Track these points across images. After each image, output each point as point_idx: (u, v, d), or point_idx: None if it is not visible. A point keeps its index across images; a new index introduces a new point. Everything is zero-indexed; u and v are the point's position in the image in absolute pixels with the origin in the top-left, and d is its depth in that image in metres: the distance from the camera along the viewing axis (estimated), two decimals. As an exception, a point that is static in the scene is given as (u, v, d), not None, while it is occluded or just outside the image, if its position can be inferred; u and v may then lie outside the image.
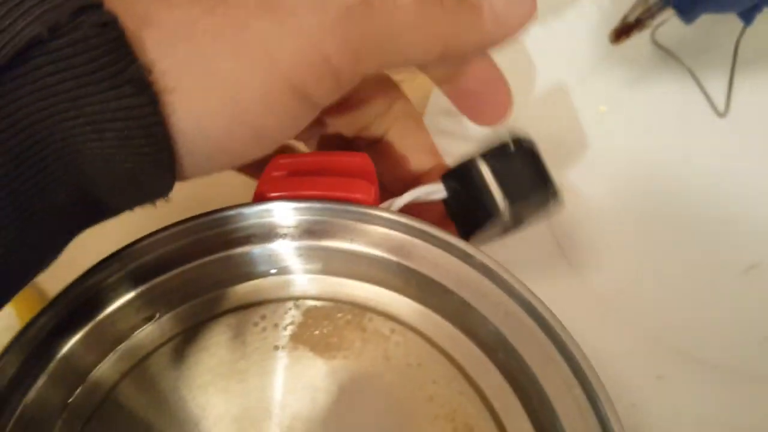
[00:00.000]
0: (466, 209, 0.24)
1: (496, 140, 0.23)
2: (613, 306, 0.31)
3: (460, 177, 0.24)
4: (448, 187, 0.24)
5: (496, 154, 0.23)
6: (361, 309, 0.22)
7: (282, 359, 0.21)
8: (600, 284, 0.32)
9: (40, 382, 0.20)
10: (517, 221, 0.24)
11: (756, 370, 0.29)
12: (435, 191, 0.24)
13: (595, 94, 0.37)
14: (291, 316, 0.22)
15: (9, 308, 0.32)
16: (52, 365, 0.20)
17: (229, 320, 0.22)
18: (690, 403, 0.29)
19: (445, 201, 0.24)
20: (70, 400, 0.21)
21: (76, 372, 0.21)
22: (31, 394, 0.20)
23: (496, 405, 0.21)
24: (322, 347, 0.21)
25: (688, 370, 0.30)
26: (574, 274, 0.33)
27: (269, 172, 0.23)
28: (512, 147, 0.23)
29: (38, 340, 0.20)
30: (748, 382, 0.29)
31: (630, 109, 0.37)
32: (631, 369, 0.29)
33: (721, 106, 0.37)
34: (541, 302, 0.21)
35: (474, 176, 0.23)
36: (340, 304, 0.22)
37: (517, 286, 0.21)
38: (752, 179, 0.35)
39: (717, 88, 0.37)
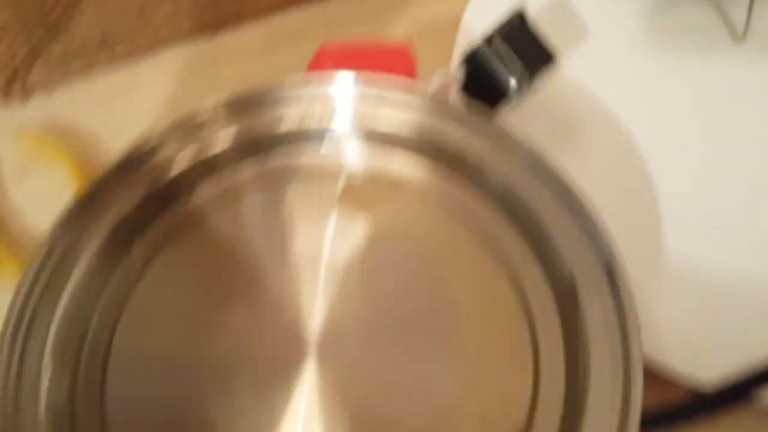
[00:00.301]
0: (481, 90, 0.27)
1: (499, 21, 0.27)
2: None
3: (471, 63, 0.28)
4: (464, 73, 0.28)
5: (500, 34, 0.27)
6: (398, 182, 0.26)
7: (330, 220, 0.25)
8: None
9: (135, 199, 0.24)
10: (527, 87, 0.28)
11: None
12: (455, 77, 0.28)
13: (615, 18, 0.39)
14: (339, 184, 0.25)
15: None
16: (153, 187, 0.25)
17: (284, 184, 0.26)
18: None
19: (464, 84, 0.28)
20: (159, 220, 0.26)
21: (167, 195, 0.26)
22: (126, 208, 0.24)
23: (512, 256, 0.24)
24: (363, 211, 0.25)
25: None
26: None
27: (317, 58, 0.26)
28: (511, 24, 0.27)
29: (140, 163, 0.25)
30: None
31: (649, 34, 0.39)
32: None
33: (739, 32, 0.38)
34: (559, 167, 0.24)
35: (482, 61, 0.27)
36: (381, 176, 0.26)
37: (538, 152, 0.24)
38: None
39: (736, 14, 0.38)
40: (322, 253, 0.25)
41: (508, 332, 0.24)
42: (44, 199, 0.34)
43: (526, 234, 0.24)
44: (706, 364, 0.28)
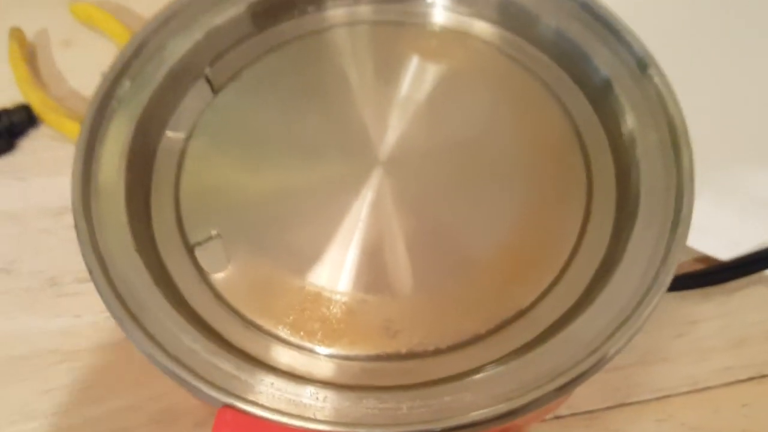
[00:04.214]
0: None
1: None
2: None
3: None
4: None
5: None
6: (470, 33, 0.32)
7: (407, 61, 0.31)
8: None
9: (186, 47, 0.29)
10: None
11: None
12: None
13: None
14: (420, 33, 0.32)
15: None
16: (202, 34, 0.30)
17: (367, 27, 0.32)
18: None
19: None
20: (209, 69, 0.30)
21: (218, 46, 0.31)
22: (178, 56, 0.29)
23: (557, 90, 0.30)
24: (439, 56, 0.31)
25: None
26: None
27: None
28: None
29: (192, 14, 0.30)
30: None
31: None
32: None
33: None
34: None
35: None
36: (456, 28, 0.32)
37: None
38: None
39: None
40: (397, 89, 0.30)
41: (563, 162, 0.29)
42: (86, 68, 0.37)
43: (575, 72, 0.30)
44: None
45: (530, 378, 0.23)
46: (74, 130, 0.39)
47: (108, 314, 0.29)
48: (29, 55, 0.43)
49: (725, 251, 0.35)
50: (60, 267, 0.36)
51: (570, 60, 0.30)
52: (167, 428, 0.31)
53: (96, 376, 0.33)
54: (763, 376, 0.33)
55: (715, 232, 0.35)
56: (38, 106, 0.40)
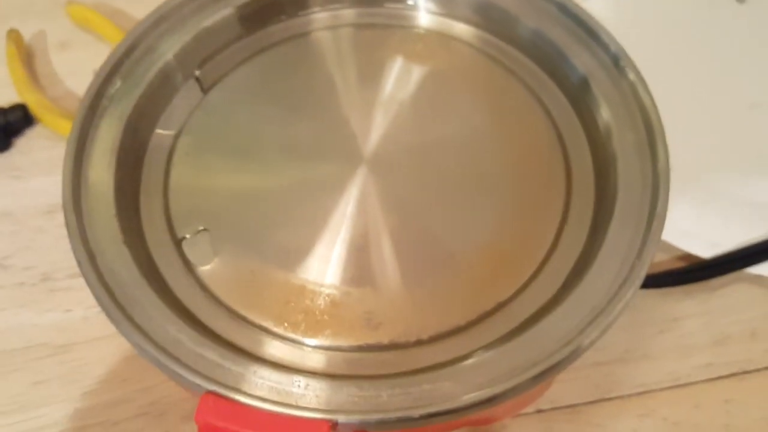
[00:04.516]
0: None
1: None
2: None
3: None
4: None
5: None
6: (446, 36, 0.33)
7: (391, 62, 0.32)
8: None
9: (176, 48, 0.30)
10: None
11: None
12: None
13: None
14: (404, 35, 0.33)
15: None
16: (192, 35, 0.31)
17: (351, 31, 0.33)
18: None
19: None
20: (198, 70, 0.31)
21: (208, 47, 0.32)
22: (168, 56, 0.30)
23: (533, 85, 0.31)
24: (422, 57, 0.32)
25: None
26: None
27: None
28: None
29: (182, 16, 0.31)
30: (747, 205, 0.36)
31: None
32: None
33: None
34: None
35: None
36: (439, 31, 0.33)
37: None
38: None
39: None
40: (381, 90, 0.31)
41: (543, 160, 0.29)
42: (82, 69, 0.37)
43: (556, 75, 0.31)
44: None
45: (507, 368, 0.23)
46: (69, 130, 0.40)
47: (98, 309, 0.30)
48: (26, 56, 0.44)
49: (707, 249, 0.35)
50: (53, 263, 0.36)
51: (549, 61, 0.31)
52: (156, 420, 0.32)
53: (86, 369, 0.33)
54: (745, 373, 0.33)
55: (697, 232, 0.36)
56: (34, 106, 0.41)
